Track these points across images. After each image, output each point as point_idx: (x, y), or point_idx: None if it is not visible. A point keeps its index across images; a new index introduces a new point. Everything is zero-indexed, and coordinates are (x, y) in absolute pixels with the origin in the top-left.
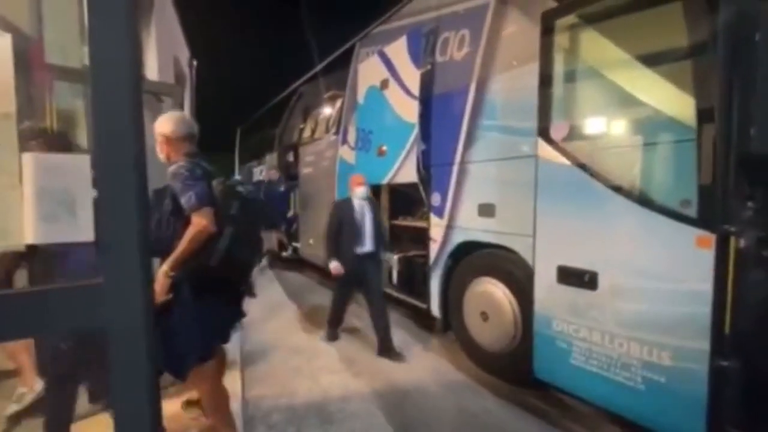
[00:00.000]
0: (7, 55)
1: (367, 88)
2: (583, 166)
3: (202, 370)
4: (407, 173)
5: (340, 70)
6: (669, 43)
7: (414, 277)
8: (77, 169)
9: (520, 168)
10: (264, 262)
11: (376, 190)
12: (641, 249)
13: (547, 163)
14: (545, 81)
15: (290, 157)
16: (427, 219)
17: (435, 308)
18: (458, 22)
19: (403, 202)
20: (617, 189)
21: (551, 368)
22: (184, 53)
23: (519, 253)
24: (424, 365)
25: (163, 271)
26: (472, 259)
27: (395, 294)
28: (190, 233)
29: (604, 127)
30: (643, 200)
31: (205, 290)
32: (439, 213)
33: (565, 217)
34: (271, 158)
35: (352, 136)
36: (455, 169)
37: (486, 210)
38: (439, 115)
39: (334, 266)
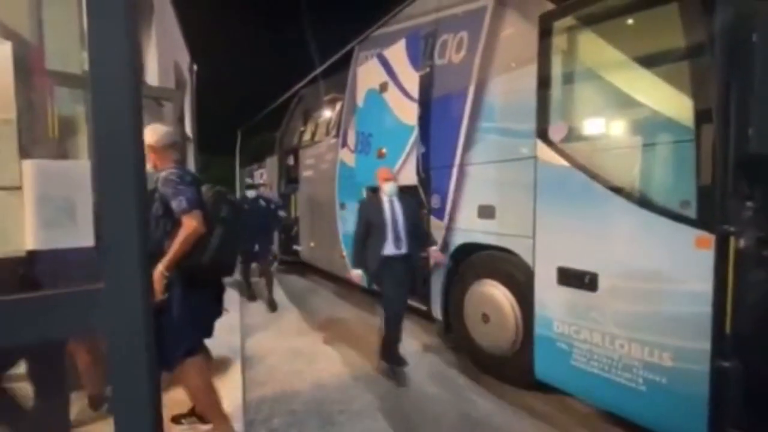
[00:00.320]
0: (8, 62)
1: (367, 91)
2: (581, 168)
3: (195, 364)
4: (407, 176)
5: (340, 73)
6: (666, 45)
7: (415, 280)
8: (77, 175)
9: (520, 170)
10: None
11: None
12: (641, 250)
13: (546, 164)
14: (543, 83)
15: (291, 160)
16: (427, 221)
17: (436, 310)
18: (456, 25)
19: None
20: (616, 190)
21: (552, 370)
22: (184, 58)
23: (519, 254)
24: (425, 367)
25: (159, 271)
26: (473, 260)
27: None
28: (182, 235)
29: (602, 128)
30: (643, 201)
31: (195, 287)
32: (439, 215)
33: (564, 219)
34: (272, 161)
35: (352, 139)
36: (455, 171)
37: (486, 212)
38: (438, 118)
39: (356, 274)
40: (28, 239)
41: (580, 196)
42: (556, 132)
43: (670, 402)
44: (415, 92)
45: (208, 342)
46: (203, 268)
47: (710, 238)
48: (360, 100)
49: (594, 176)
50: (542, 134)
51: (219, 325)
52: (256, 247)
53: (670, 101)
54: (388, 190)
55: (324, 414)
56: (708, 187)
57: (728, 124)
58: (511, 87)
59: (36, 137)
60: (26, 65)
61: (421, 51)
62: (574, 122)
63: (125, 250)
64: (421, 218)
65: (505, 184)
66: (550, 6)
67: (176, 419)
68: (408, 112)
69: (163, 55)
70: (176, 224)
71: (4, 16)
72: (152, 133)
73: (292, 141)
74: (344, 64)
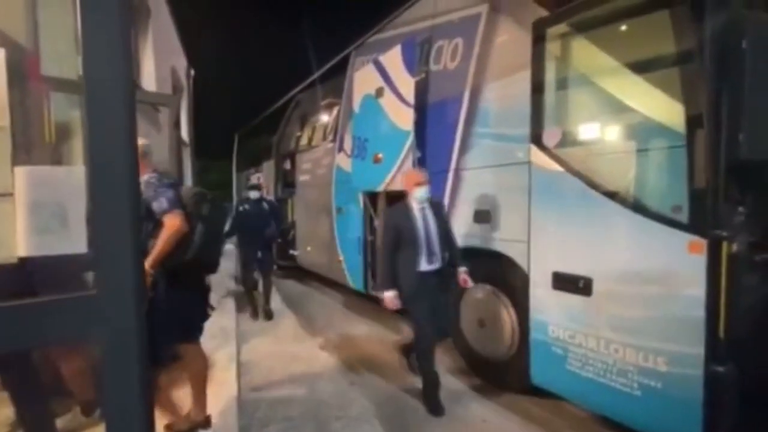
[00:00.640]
0: (1, 69)
1: (363, 96)
2: (575, 173)
3: (199, 349)
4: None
5: (337, 78)
6: (658, 51)
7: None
8: (70, 181)
9: (514, 174)
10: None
11: (372, 198)
12: (634, 254)
13: (540, 169)
14: (537, 88)
15: (287, 165)
16: None
17: None
18: (452, 31)
19: None
20: (610, 195)
21: (548, 374)
22: (181, 63)
23: (514, 259)
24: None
25: (144, 270)
26: (468, 265)
27: None
28: (165, 233)
29: (595, 133)
30: (635, 206)
31: (179, 283)
32: None
33: (558, 223)
34: (269, 166)
35: (348, 144)
36: (450, 176)
37: (481, 216)
38: (433, 123)
39: (390, 298)
40: (20, 246)
41: (574, 201)
42: (549, 137)
43: (665, 406)
44: (410, 98)
45: (203, 346)
46: (187, 265)
47: (702, 242)
48: (356, 105)
49: (588, 181)
50: (536, 139)
51: (215, 329)
52: (259, 253)
53: (662, 107)
54: (419, 195)
55: (320, 420)
56: (700, 192)
57: (719, 130)
58: (505, 92)
59: (32, 142)
60: (22, 71)
61: (417, 57)
62: (567, 128)
63: (119, 257)
64: (448, 225)
65: (501, 188)
66: (544, 13)
67: (170, 427)
68: (404, 118)
69: (160, 60)
70: (158, 225)
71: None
72: None
73: (289, 145)
74: (341, 69)
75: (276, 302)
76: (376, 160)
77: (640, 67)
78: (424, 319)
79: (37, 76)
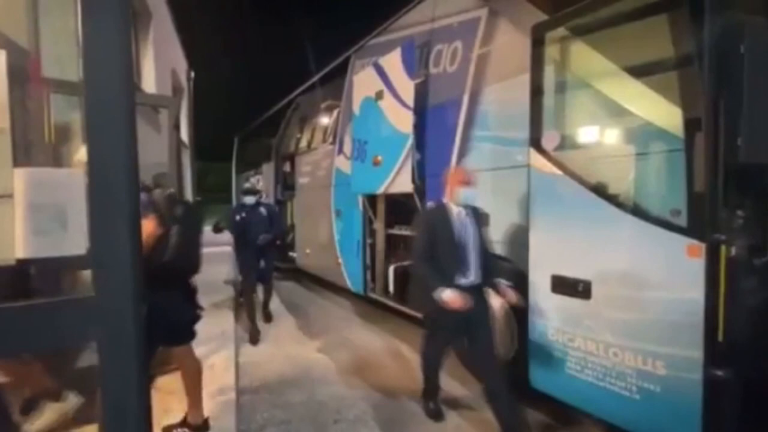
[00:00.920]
0: (1, 71)
1: (363, 98)
2: (574, 176)
3: (184, 350)
4: (402, 183)
5: (336, 80)
6: (657, 56)
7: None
8: (69, 183)
9: (513, 177)
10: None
11: (371, 200)
12: (633, 258)
13: (539, 172)
14: (536, 92)
15: (287, 167)
16: None
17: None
18: (451, 35)
19: (398, 212)
20: (609, 198)
21: (547, 378)
22: (181, 65)
23: (513, 262)
24: (421, 375)
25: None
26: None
27: (392, 304)
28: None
29: (595, 137)
30: (635, 210)
31: (160, 285)
32: None
33: (557, 226)
34: (268, 168)
35: (348, 146)
36: None
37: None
38: (433, 126)
39: (450, 296)
40: (19, 247)
41: (573, 205)
42: (548, 141)
43: (664, 410)
44: (410, 100)
45: (201, 349)
46: (165, 266)
47: (701, 246)
48: (356, 108)
49: (587, 185)
50: (535, 143)
51: (214, 332)
52: (262, 262)
53: (661, 111)
54: (463, 197)
55: (319, 423)
56: (699, 196)
57: (718, 134)
58: (504, 96)
59: (32, 144)
60: (23, 73)
61: (417, 60)
62: (566, 131)
63: (117, 259)
64: (485, 235)
65: (500, 191)
66: (543, 17)
67: (168, 430)
68: (403, 120)
69: (160, 62)
70: None
71: (2, 25)
72: None
73: (288, 148)
74: (341, 72)
75: (274, 304)
76: (376, 163)
77: (638, 72)
78: (442, 340)
79: (37, 78)
